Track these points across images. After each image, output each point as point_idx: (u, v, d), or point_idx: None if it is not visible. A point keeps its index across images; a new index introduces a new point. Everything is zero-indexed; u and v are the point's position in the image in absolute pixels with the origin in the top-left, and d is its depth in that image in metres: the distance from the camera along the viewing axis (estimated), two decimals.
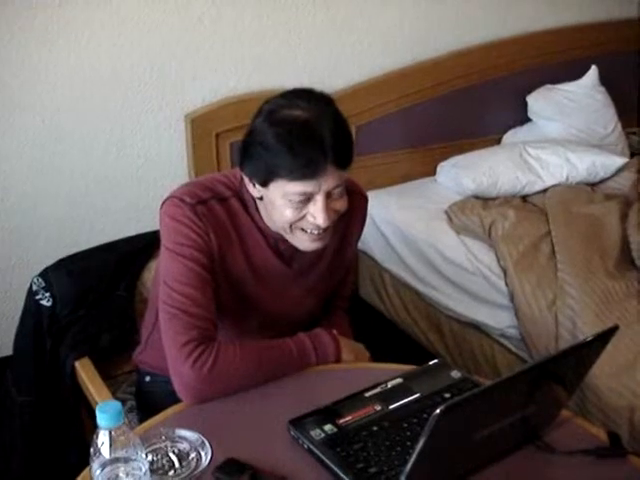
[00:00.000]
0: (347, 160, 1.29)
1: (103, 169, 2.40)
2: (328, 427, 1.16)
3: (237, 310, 1.45)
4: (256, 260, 1.42)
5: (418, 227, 2.59)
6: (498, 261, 2.27)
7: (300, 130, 1.25)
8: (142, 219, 2.46)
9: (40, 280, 1.70)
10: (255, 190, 1.35)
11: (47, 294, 1.69)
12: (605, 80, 3.15)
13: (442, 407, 0.84)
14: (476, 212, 2.47)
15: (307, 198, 1.29)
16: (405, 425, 1.16)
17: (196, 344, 1.27)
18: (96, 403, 1.57)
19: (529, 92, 3.12)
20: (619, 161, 2.70)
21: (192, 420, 1.21)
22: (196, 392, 1.26)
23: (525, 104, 3.13)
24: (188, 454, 1.12)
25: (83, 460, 1.78)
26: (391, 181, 2.88)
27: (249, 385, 1.29)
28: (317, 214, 1.30)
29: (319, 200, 1.29)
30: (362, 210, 1.56)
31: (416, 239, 2.57)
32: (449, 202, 2.65)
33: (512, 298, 2.15)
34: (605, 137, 3.06)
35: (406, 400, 1.23)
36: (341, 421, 1.17)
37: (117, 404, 0.92)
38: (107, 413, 0.90)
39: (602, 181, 2.73)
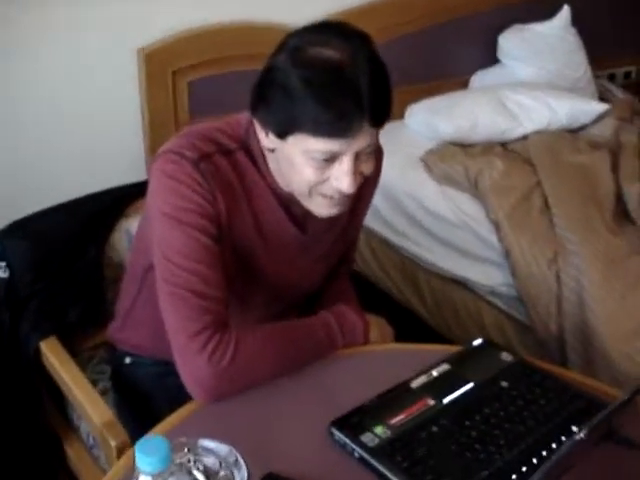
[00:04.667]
0: (386, 115, 1.08)
1: (53, 114, 2.08)
2: (380, 429, 0.98)
3: (242, 283, 1.23)
4: (266, 224, 1.21)
5: (392, 175, 2.39)
6: (488, 214, 2.12)
7: (333, 75, 1.02)
8: (98, 172, 2.15)
9: None
10: (268, 140, 1.12)
11: (2, 263, 1.43)
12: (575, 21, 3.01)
13: (585, 431, 0.67)
14: (459, 160, 2.31)
15: (332, 157, 1.07)
16: (468, 423, 1.00)
17: (211, 332, 1.06)
18: (67, 388, 1.35)
19: (497, 32, 2.94)
20: (599, 107, 2.57)
21: (214, 425, 1.01)
22: (213, 389, 1.05)
23: (492, 44, 2.95)
24: (217, 472, 0.92)
25: (47, 449, 1.57)
26: None
27: (271, 378, 1.10)
28: (342, 177, 1.08)
29: (346, 162, 1.07)
30: (379, 163, 1.36)
31: (390, 188, 2.38)
32: (422, 148, 2.47)
33: (507, 255, 2.01)
34: (577, 81, 2.92)
35: (461, 392, 1.06)
36: (393, 421, 1.00)
37: (164, 444, 0.70)
38: (153, 457, 0.68)
39: (581, 128, 2.60)
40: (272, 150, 1.13)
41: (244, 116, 1.20)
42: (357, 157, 1.08)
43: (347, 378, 1.13)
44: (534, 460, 0.94)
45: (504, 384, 1.08)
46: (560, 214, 2.02)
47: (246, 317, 1.26)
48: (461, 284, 2.23)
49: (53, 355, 1.40)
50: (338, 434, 0.98)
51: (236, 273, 1.21)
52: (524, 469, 0.92)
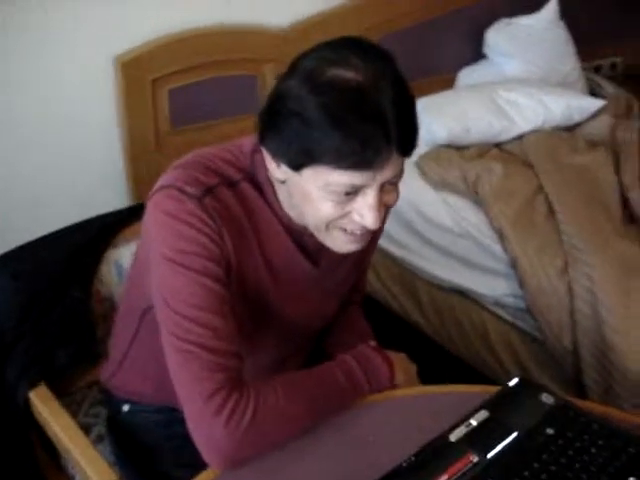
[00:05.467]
0: (414, 142, 0.98)
1: (19, 131, 1.93)
2: None
3: (251, 325, 1.12)
4: (276, 260, 1.10)
5: None
6: (491, 222, 2.03)
7: (354, 100, 0.90)
8: (74, 194, 2.02)
9: None
10: (280, 172, 1.01)
11: None
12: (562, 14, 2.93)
13: None
14: (456, 165, 2.21)
15: (355, 191, 0.97)
16: None
17: (226, 393, 0.94)
18: (62, 446, 1.23)
19: (483, 27, 2.85)
20: (595, 104, 2.49)
21: None
22: (233, 456, 0.94)
23: (477, 39, 2.87)
24: None
25: None
26: None
27: (295, 436, 0.99)
28: (366, 212, 0.98)
29: (371, 195, 0.96)
30: None
31: None
32: (415, 152, 2.36)
33: (514, 265, 1.92)
34: (566, 75, 2.84)
35: (505, 443, 0.96)
36: None
37: None
38: None
39: (576, 126, 2.52)
40: (283, 181, 1.02)
41: (247, 142, 1.09)
42: (381, 188, 0.98)
43: (377, 430, 1.02)
44: None
45: (550, 431, 0.99)
46: (566, 220, 1.93)
47: (254, 361, 1.15)
48: (463, 295, 2.15)
49: (45, 407, 1.26)
50: None
51: (245, 315, 1.10)
52: None
